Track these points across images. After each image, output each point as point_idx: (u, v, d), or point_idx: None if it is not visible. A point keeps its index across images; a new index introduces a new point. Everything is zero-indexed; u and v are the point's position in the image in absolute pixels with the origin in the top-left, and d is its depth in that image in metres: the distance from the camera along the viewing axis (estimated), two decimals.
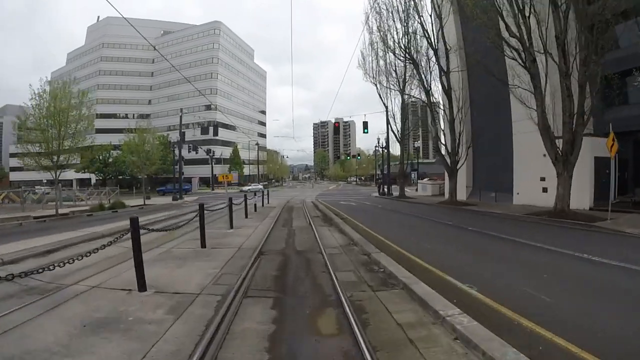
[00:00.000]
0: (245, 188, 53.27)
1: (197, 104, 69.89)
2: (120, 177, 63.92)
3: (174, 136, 52.76)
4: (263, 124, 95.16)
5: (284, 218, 15.15)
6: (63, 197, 29.46)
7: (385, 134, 34.62)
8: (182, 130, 34.21)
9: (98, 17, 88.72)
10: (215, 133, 31.78)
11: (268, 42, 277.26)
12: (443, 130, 25.59)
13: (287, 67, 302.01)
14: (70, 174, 74.99)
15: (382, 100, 31.88)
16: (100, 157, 65.50)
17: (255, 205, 18.41)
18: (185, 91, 72.39)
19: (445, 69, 24.04)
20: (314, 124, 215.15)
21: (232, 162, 66.79)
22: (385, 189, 35.14)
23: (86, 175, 68.95)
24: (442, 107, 24.52)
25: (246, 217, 14.93)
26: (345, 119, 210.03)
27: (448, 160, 23.82)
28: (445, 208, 20.94)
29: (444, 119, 25.21)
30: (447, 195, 28.84)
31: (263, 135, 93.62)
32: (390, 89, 29.84)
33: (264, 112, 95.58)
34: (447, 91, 23.81)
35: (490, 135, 24.81)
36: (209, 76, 70.92)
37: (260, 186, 53.67)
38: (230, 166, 65.87)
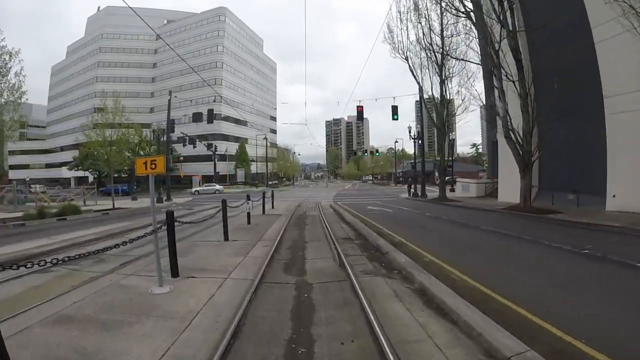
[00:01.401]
0: (194, 189, 45.31)
1: (201, 95, 64.22)
2: (116, 174, 58.76)
3: (181, 130, 47.32)
4: (274, 119, 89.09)
5: (290, 241, 8.81)
6: (22, 198, 23.92)
7: (416, 123, 28.09)
8: (173, 118, 28.29)
9: (98, 7, 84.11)
10: (210, 120, 25.70)
11: (276, 40, 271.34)
12: (508, 113, 18.86)
13: (296, 66, 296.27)
14: (66, 172, 70.34)
15: (415, 78, 25.44)
16: (96, 153, 59.90)
17: (248, 215, 12.11)
18: (188, 82, 66.97)
19: (511, 27, 17.39)
20: (326, 121, 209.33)
21: (238, 159, 60.79)
22: (418, 190, 28.55)
23: (81, 174, 64.31)
24: (509, 77, 17.77)
25: (225, 238, 8.64)
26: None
27: (519, 150, 17.19)
28: (527, 219, 14.38)
29: (505, 93, 18.42)
30: (501, 197, 22.51)
31: (274, 131, 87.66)
32: (433, 51, 23.38)
33: (274, 107, 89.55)
34: (517, 56, 17.14)
35: (567, 118, 18.26)
36: (214, 65, 65.12)
37: (218, 187, 45.74)
38: (236, 163, 59.98)
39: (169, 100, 28.44)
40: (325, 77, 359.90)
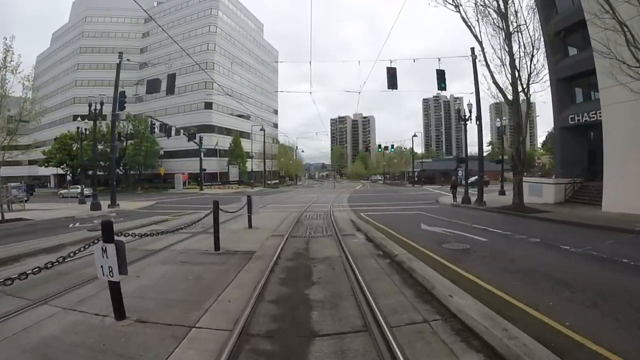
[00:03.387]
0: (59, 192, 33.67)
1: (190, 82, 56.09)
2: (90, 171, 50.34)
3: (167, 121, 39.13)
4: (275, 112, 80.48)
5: None
6: None
7: (475, 95, 19.48)
8: (122, 90, 20.15)
9: None
10: (170, 90, 17.42)
11: (278, 38, 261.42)
12: None
13: (300, 66, 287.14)
14: (45, 170, 62.25)
15: (471, 30, 16.89)
16: (75, 148, 50.50)
17: (113, 289, 3.59)
18: (176, 67, 58.81)
19: None
20: (332, 119, 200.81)
21: (231, 154, 52.26)
22: (469, 194, 20.01)
23: (55, 170, 56.58)
24: None
25: None
26: (365, 114, 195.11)
27: None
28: None
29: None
30: (609, 205, 14.24)
31: (275, 125, 79.08)
32: None
33: (275, 99, 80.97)
34: None
35: None
36: (205, 48, 56.74)
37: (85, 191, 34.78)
38: (229, 159, 51.49)
39: (118, 65, 20.26)
40: (330, 76, 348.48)
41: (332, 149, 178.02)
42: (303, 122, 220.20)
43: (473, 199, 19.65)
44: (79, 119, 46.44)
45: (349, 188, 48.15)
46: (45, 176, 72.03)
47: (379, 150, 49.84)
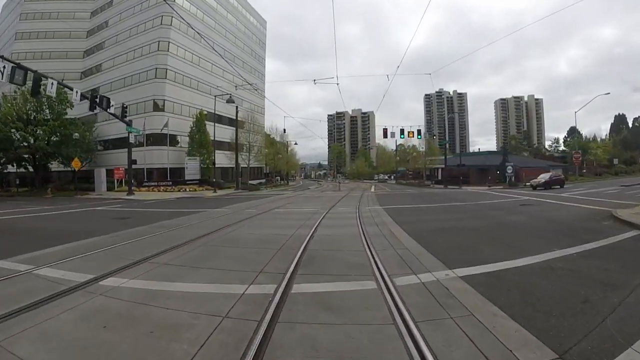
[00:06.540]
0: None
1: (141, 44, 41.15)
2: (12, 165, 35.25)
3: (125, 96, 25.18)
4: (262, 94, 65.31)
5: None
6: None
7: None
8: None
9: None
10: None
11: (278, 39, 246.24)
12: None
13: (301, 66, 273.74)
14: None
15: None
16: None
17: None
18: (128, 27, 44.02)
19: None
20: (329, 115, 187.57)
21: (191, 141, 37.03)
22: None
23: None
24: None
25: None
26: (364, 110, 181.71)
27: None
28: None
29: None
30: None
31: (261, 111, 63.87)
32: None
33: (262, 79, 65.94)
34: None
35: None
36: None
37: None
38: (190, 149, 36.37)
39: None
40: (331, 75, 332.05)
41: (329, 146, 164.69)
42: (300, 122, 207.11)
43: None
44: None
45: (362, 190, 33.34)
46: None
47: (402, 136, 34.95)
